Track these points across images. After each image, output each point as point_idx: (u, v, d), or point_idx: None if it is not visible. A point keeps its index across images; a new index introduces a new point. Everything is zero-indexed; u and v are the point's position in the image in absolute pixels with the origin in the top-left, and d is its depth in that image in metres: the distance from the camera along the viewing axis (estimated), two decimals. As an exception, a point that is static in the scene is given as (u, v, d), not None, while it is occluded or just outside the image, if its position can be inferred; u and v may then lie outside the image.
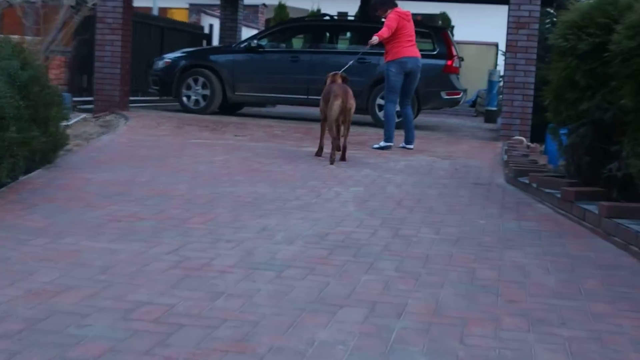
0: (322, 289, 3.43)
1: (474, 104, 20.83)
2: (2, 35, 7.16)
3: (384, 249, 4.28)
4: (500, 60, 18.89)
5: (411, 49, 9.61)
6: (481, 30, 23.05)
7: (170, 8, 25.21)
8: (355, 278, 3.65)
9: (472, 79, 21.61)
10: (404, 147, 9.49)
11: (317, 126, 12.15)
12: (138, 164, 6.92)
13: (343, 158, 7.91)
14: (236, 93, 13.20)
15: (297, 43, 14.83)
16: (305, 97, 12.96)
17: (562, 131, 6.85)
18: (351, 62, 10.00)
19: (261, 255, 3.99)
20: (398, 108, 9.75)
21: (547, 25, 12.44)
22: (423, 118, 16.63)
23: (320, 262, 3.91)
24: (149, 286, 3.33)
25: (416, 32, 10.45)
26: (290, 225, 4.77)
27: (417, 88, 12.17)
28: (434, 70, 12.25)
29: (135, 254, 3.87)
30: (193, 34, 18.10)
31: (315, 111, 16.69)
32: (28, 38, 11.58)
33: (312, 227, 4.74)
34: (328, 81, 8.38)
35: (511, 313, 3.25)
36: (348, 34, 15.09)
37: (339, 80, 8.32)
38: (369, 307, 3.22)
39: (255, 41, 13.16)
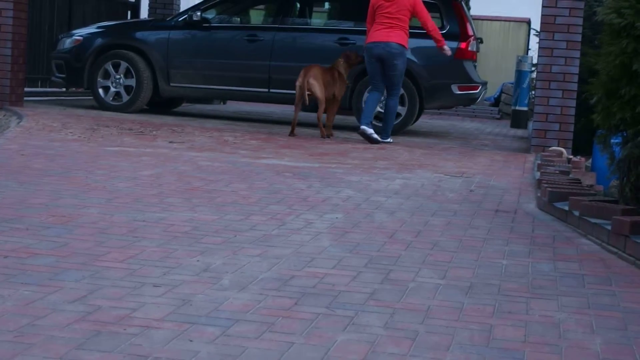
0: (283, 352, 3.43)
1: (496, 102, 21.02)
2: None
3: (370, 297, 4.29)
4: (534, 42, 19.02)
5: (381, 33, 11.21)
6: (508, 1, 23.27)
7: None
8: (329, 337, 3.65)
9: (494, 68, 21.80)
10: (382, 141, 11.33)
11: (281, 130, 12.22)
12: (33, 180, 6.89)
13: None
14: (172, 84, 13.22)
15: (256, 17, 14.89)
16: (267, 90, 13.00)
17: (615, 140, 6.91)
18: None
19: (201, 305, 3.99)
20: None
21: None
22: (427, 121, 16.76)
23: (281, 315, 3.91)
24: (44, 346, 3.31)
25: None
26: (241, 264, 4.77)
27: (418, 80, 12.38)
28: (441, 55, 12.34)
29: (26, 302, 3.85)
30: (113, 2, 18.11)
31: (278, 110, 16.79)
32: None
33: (272, 268, 4.74)
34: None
35: (541, 386, 3.27)
36: (326, 5, 15.19)
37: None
38: (347, 377, 3.22)
39: (198, 13, 13.21)
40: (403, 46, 11.18)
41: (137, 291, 4.14)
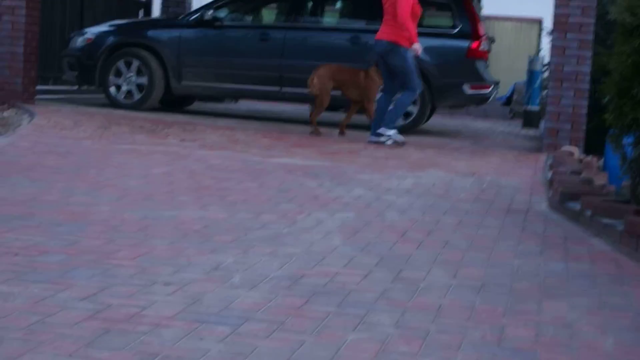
0: (294, 351, 3.42)
1: (508, 101, 20.98)
2: None
3: (381, 296, 4.28)
4: (545, 42, 18.96)
5: (379, 30, 11.01)
6: (520, 0, 23.25)
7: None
8: (340, 336, 3.64)
9: (506, 68, 21.76)
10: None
11: (292, 128, 12.22)
12: (44, 177, 6.90)
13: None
14: (183, 82, 13.22)
15: (268, 15, 14.87)
16: (278, 89, 13.00)
17: (628, 140, 6.89)
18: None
19: (211, 303, 3.98)
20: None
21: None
22: (439, 120, 16.73)
23: (292, 314, 3.90)
24: (54, 344, 3.31)
25: (431, 3, 11.13)
26: (252, 263, 4.76)
27: (430, 79, 12.36)
28: (453, 55, 12.34)
29: (36, 299, 3.85)
30: (125, 0, 18.12)
31: (290, 109, 16.78)
32: None
33: (283, 267, 4.73)
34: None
35: (553, 386, 3.26)
36: (338, 4, 15.15)
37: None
38: (358, 377, 3.21)
39: (210, 12, 13.22)
40: (393, 42, 10.77)
41: (148, 289, 4.13)
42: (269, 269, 4.65)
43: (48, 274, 4.26)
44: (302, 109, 16.92)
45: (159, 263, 4.62)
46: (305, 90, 12.75)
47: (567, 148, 10.58)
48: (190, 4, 17.27)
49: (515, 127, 17.20)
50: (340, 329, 3.74)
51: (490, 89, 12.77)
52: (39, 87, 13.51)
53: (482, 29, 12.75)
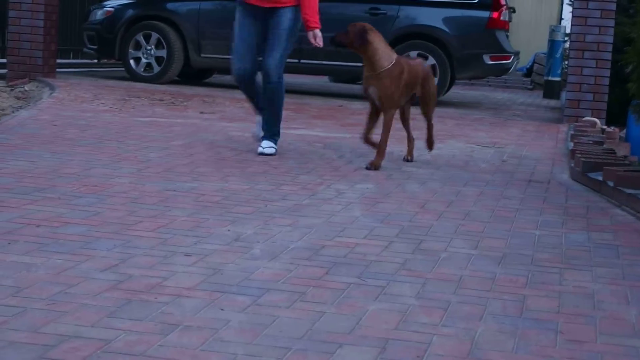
0: (315, 322, 3.42)
1: (529, 72, 20.86)
2: None
3: (401, 267, 4.28)
4: (567, 11, 18.84)
5: None
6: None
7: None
8: (361, 307, 3.64)
9: (527, 38, 21.62)
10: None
11: (311, 101, 12.18)
12: (65, 150, 6.91)
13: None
14: (202, 55, 13.21)
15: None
16: (297, 61, 12.96)
17: (650, 110, 6.86)
18: None
19: (232, 274, 3.99)
20: None
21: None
22: (459, 91, 16.67)
23: (312, 285, 3.90)
24: (76, 314, 3.32)
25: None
26: (272, 234, 4.76)
27: (450, 50, 12.29)
28: (473, 25, 12.30)
29: (58, 270, 3.86)
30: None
31: (310, 81, 16.73)
32: None
33: (303, 238, 4.73)
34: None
35: (575, 357, 3.24)
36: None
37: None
38: (379, 347, 3.20)
39: (229, -17, 13.14)
40: None
41: (168, 260, 4.14)
42: (289, 240, 4.65)
43: (70, 245, 4.27)
44: (320, 81, 16.90)
45: (180, 234, 4.63)
46: (323, 62, 12.71)
47: (588, 119, 10.53)
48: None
49: (535, 97, 17.12)
50: (361, 299, 3.74)
51: (510, 59, 12.71)
52: (59, 61, 13.53)
53: (503, -2, 12.69)
